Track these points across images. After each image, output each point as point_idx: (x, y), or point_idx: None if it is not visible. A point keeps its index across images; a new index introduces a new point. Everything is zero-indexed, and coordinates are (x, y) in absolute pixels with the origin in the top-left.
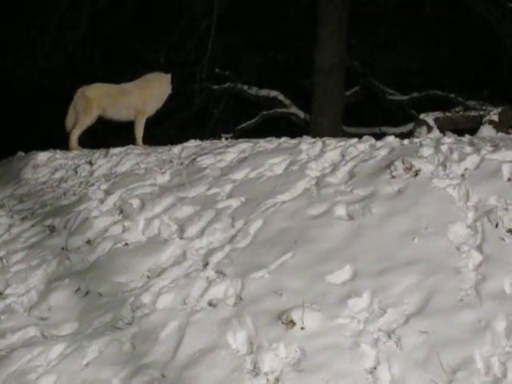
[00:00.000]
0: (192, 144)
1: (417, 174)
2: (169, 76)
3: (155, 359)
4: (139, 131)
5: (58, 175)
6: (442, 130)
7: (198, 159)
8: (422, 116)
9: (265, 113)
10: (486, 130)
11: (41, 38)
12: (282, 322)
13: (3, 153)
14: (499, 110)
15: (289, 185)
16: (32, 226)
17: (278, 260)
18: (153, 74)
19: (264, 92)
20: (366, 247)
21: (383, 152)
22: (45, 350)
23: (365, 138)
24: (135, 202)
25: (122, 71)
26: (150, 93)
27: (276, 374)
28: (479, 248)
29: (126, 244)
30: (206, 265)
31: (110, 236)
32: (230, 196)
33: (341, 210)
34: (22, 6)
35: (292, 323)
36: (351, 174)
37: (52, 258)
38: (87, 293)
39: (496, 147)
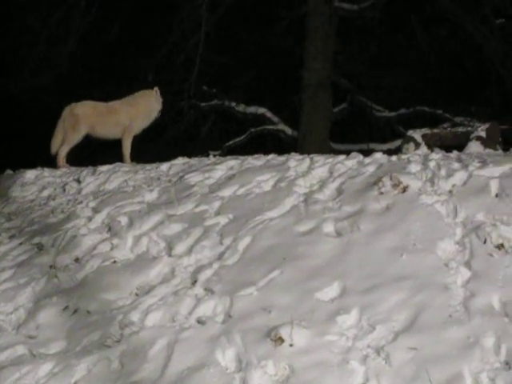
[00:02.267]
0: (180, 161)
1: (405, 190)
2: (155, 92)
3: (144, 377)
4: (127, 149)
5: (46, 193)
6: (430, 147)
7: (186, 176)
8: (410, 132)
9: (253, 130)
10: (474, 146)
11: (29, 55)
12: (271, 339)
13: None
14: (487, 126)
15: (277, 202)
16: (20, 244)
17: (266, 277)
18: (140, 92)
19: (252, 109)
20: (355, 264)
21: (371, 168)
22: (33, 368)
23: (353, 154)
24: (123, 220)
25: (111, 89)
26: (137, 111)
27: None
28: (467, 264)
29: (115, 262)
30: (194, 282)
31: (98, 254)
32: (218, 213)
33: (329, 227)
34: (8, 24)
35: (281, 340)
36: (339, 191)
37: (40, 276)
38: (75, 311)
39: (484, 163)
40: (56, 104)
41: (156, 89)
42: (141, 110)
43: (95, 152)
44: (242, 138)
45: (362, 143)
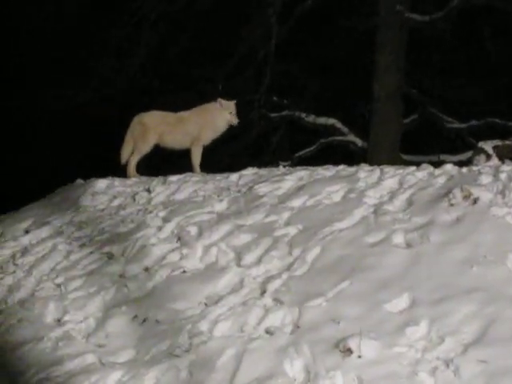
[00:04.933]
0: (250, 172)
1: (475, 202)
2: (230, 104)
3: None
4: (196, 159)
5: (116, 202)
6: (501, 158)
7: (256, 187)
8: (481, 144)
9: (323, 140)
10: None
11: (100, 66)
12: (340, 350)
13: (62, 180)
14: None
15: (346, 212)
16: (90, 253)
17: (335, 288)
18: (212, 103)
19: (322, 120)
20: (424, 275)
21: (441, 180)
22: (102, 377)
23: (423, 165)
24: (193, 230)
25: (180, 99)
26: (207, 122)
27: None
28: None
29: (184, 271)
30: (263, 292)
31: (167, 263)
32: (287, 224)
33: (399, 238)
34: (79, 36)
35: (349, 351)
36: (409, 202)
37: (110, 285)
38: (145, 320)
39: None
40: (125, 114)
41: (219, 100)
42: (210, 121)
43: (165, 162)
44: (312, 148)
45: (433, 154)
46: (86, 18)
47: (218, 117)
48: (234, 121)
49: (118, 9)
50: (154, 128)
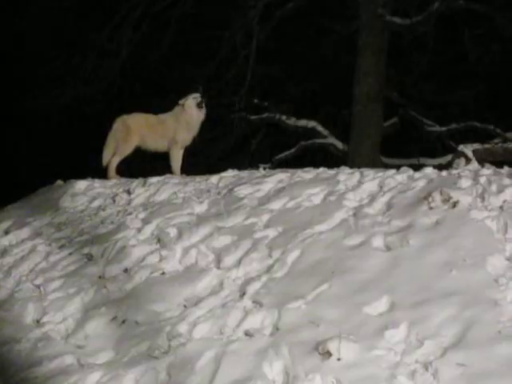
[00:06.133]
0: (230, 174)
1: (455, 205)
2: (192, 99)
3: None
4: (175, 161)
5: (96, 204)
6: (481, 162)
7: (236, 189)
8: (461, 147)
9: (303, 143)
10: None
11: (82, 66)
12: (319, 353)
13: (42, 181)
14: None
15: (326, 215)
16: (70, 254)
17: (315, 290)
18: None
19: (302, 122)
20: (404, 278)
21: (421, 183)
22: (81, 378)
23: (403, 169)
24: (172, 231)
25: (160, 101)
26: (179, 123)
27: None
28: None
29: (163, 273)
30: (242, 294)
31: (147, 265)
32: (267, 226)
33: (378, 241)
34: (61, 37)
35: (328, 354)
36: (389, 205)
37: (89, 286)
38: (124, 321)
39: None
40: (106, 115)
41: (190, 96)
42: (181, 121)
43: (145, 163)
44: (292, 151)
45: (413, 158)
46: (68, 18)
47: (186, 115)
48: (202, 114)
49: (100, 10)
50: (136, 130)
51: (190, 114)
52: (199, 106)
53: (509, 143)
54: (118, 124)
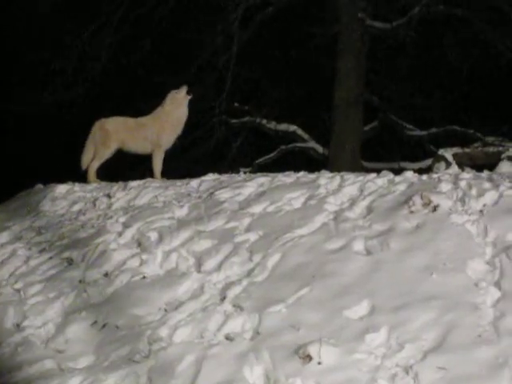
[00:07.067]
0: (210, 178)
1: (435, 209)
2: (175, 94)
3: None
4: (157, 165)
5: (76, 208)
6: (461, 166)
7: (217, 193)
8: (441, 151)
9: (283, 147)
10: (505, 166)
11: (62, 70)
12: (299, 357)
13: (21, 185)
14: None
15: (307, 219)
16: (50, 258)
17: (295, 294)
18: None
19: (283, 126)
20: (384, 282)
21: (402, 187)
22: (62, 382)
23: (383, 172)
24: (153, 235)
25: (141, 105)
26: (162, 125)
27: None
28: (497, 284)
29: (144, 277)
30: (223, 299)
31: (127, 269)
32: (248, 230)
33: (359, 245)
34: (42, 39)
35: (309, 358)
36: (369, 209)
37: (70, 290)
38: (104, 325)
39: None
40: (86, 118)
41: (173, 92)
42: (164, 122)
43: (125, 167)
44: (273, 155)
45: (393, 162)
46: (50, 20)
47: (171, 114)
48: (184, 113)
49: (81, 12)
50: (115, 133)
51: (177, 108)
52: (188, 93)
53: (489, 147)
54: (96, 128)
